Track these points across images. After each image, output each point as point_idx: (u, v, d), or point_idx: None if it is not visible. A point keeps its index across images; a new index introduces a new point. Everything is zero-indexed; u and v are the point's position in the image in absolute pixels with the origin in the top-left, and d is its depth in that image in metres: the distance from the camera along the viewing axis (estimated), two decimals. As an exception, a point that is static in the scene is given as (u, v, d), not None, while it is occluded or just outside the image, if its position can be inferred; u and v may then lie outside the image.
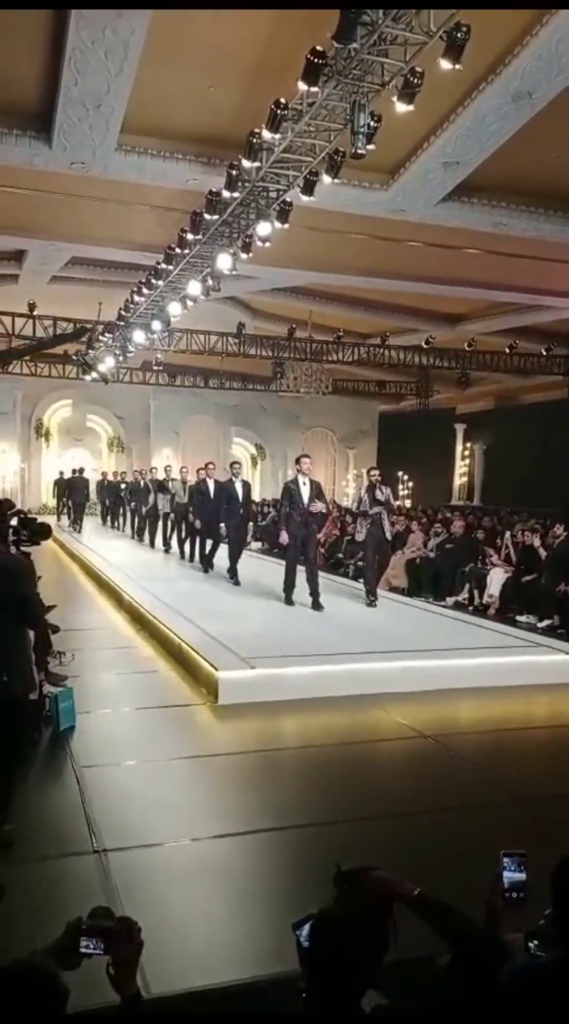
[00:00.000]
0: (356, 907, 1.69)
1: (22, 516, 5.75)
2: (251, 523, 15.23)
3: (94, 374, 21.51)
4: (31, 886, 3.48)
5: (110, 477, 23.15)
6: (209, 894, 3.57)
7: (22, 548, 5.25)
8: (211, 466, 13.10)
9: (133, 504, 18.92)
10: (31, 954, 1.70)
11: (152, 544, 16.96)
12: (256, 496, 18.72)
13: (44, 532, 5.50)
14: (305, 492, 9.41)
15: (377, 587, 10.16)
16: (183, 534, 14.73)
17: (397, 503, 10.62)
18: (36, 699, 5.42)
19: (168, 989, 2.70)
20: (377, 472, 10.40)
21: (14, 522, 5.31)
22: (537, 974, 1.76)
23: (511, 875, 1.94)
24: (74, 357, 13.70)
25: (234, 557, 11.44)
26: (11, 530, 5.06)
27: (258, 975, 2.81)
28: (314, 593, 9.24)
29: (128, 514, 20.07)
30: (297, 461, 9.76)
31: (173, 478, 16.33)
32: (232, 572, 11.34)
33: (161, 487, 16.27)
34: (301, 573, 9.50)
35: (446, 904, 1.81)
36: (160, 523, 16.66)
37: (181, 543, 14.82)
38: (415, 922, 1.80)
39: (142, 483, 17.94)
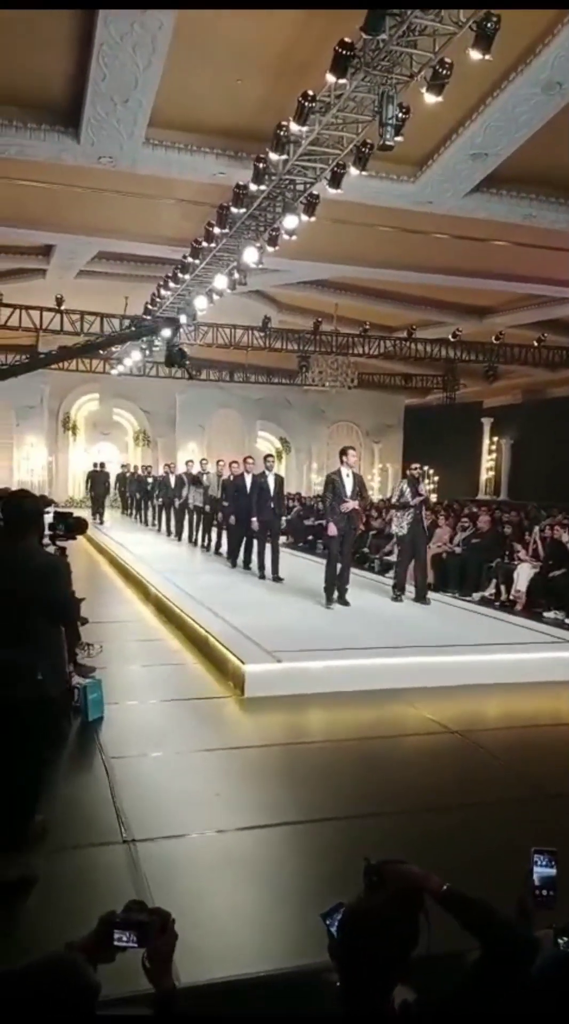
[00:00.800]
0: (385, 900, 1.70)
1: (58, 511, 5.79)
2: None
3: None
4: (62, 875, 3.52)
5: (139, 471, 22.97)
6: (236, 886, 3.60)
7: (58, 543, 5.26)
8: (249, 460, 12.61)
9: (161, 499, 18.63)
10: (65, 947, 1.71)
11: (178, 537, 16.86)
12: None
13: (80, 526, 5.52)
14: (348, 484, 9.16)
15: (417, 582, 9.99)
16: (212, 529, 14.56)
17: (425, 495, 10.51)
18: (65, 690, 5.49)
19: (195, 980, 2.73)
20: (419, 467, 10.40)
21: (50, 517, 5.33)
22: (567, 969, 1.76)
23: (542, 872, 1.93)
24: (171, 349, 12.45)
25: (274, 553, 11.21)
26: (48, 525, 5.10)
27: (284, 967, 2.82)
28: (342, 588, 9.15)
29: (154, 509, 19.93)
30: (343, 452, 9.48)
31: (207, 471, 15.91)
32: (274, 569, 11.14)
33: (195, 480, 15.88)
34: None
35: (475, 898, 1.81)
36: (189, 517, 16.38)
37: (205, 536, 14.83)
38: (444, 917, 1.80)
39: (173, 477, 17.59)
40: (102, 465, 23.12)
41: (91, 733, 5.36)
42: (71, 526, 5.39)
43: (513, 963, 1.61)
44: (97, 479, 22.42)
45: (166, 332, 14.90)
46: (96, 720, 5.54)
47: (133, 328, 17.42)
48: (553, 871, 1.93)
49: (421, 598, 9.67)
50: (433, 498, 25.52)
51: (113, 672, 6.61)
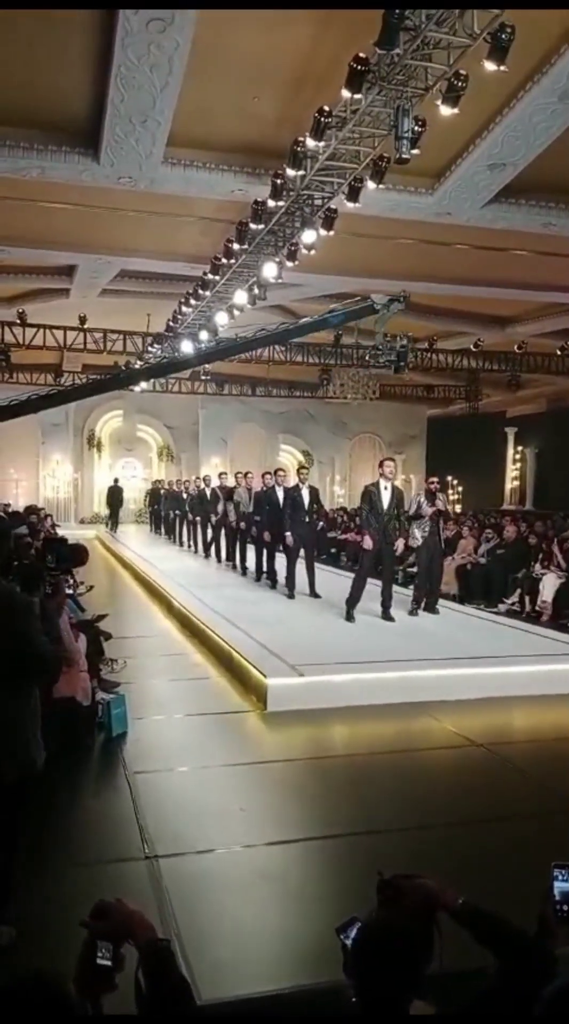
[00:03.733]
0: (399, 915, 1.68)
1: (46, 537, 5.06)
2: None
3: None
4: (84, 892, 3.52)
5: (174, 486, 21.45)
6: (260, 901, 3.58)
7: (50, 579, 4.47)
8: (281, 473, 12.26)
9: (197, 516, 17.16)
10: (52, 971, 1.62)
11: (219, 558, 15.38)
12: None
13: (78, 556, 4.78)
14: (386, 498, 9.04)
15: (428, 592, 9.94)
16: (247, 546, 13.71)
17: (444, 508, 10.35)
18: (90, 705, 5.52)
19: (219, 996, 2.71)
20: (436, 481, 10.32)
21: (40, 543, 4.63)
22: None
23: (563, 886, 1.90)
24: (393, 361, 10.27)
25: (309, 568, 10.79)
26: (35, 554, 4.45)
27: (307, 983, 2.80)
28: (386, 604, 9.05)
29: (189, 527, 18.39)
30: (380, 464, 9.45)
31: (239, 485, 14.53)
32: (311, 585, 10.65)
33: (230, 495, 14.61)
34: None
35: (492, 913, 1.78)
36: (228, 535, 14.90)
37: (230, 554, 14.32)
38: (460, 931, 1.77)
39: (208, 491, 16.25)
40: (116, 481, 25.46)
41: (115, 748, 5.39)
42: (65, 556, 4.53)
43: (529, 978, 1.58)
44: (113, 494, 24.82)
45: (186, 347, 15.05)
46: (120, 735, 5.56)
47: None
48: None
49: (430, 608, 9.70)
50: (457, 508, 25.43)
51: (137, 687, 6.65)
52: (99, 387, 13.72)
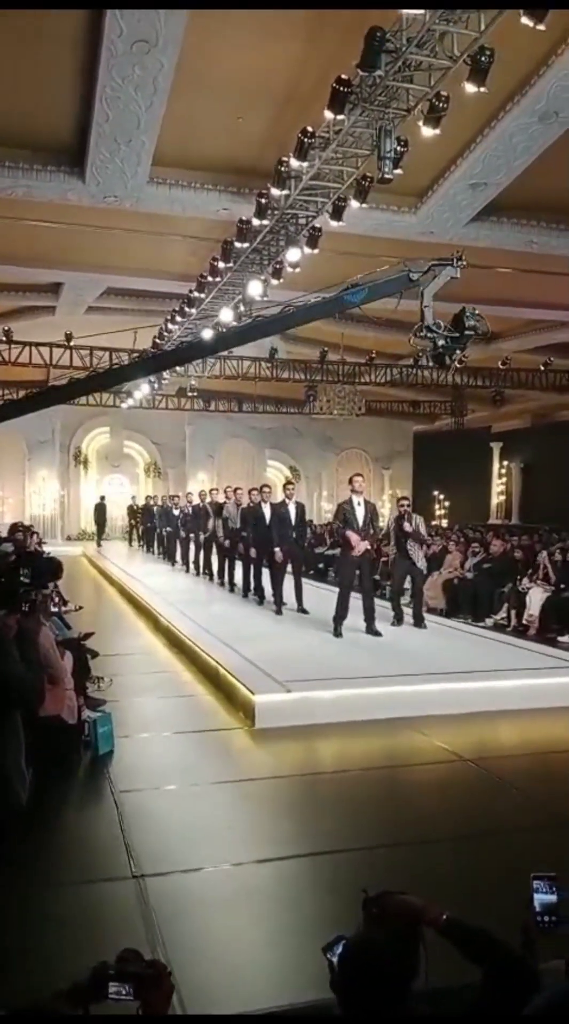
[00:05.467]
0: (384, 932, 1.68)
1: (16, 551, 4.96)
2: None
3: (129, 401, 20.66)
4: (70, 912, 3.50)
5: (166, 502, 20.60)
6: (248, 920, 3.56)
7: (25, 601, 4.40)
8: (267, 489, 12.19)
9: (189, 533, 16.76)
10: (53, 995, 1.65)
11: (210, 575, 15.14)
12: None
13: (53, 571, 4.73)
14: (360, 513, 9.04)
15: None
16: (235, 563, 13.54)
17: (430, 526, 10.33)
18: (75, 724, 5.49)
19: (207, 1014, 2.69)
20: (407, 502, 10.32)
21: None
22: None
23: (542, 898, 1.90)
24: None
25: (297, 584, 10.74)
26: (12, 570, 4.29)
27: (295, 1001, 2.78)
28: (369, 619, 9.04)
29: (180, 544, 17.88)
30: (350, 480, 9.40)
31: (228, 500, 14.22)
32: (298, 601, 10.60)
33: (219, 511, 14.37)
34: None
35: (476, 927, 1.78)
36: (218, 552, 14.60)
37: (221, 571, 14.19)
38: (446, 947, 1.78)
39: (201, 507, 15.92)
40: (102, 498, 25.86)
41: (101, 767, 5.35)
42: (40, 571, 4.47)
43: (513, 992, 1.59)
44: (99, 511, 25.35)
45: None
46: (106, 754, 5.52)
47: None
48: (554, 897, 1.90)
49: (417, 622, 9.85)
50: (443, 523, 25.53)
51: (124, 705, 6.61)
52: (120, 376, 12.68)
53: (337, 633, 8.95)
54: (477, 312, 7.39)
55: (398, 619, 9.85)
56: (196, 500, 16.98)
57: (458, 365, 23.70)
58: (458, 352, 7.46)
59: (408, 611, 10.06)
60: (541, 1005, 1.60)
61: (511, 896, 2.26)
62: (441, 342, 7.34)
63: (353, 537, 8.98)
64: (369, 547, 9.42)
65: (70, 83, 9.25)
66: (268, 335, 12.88)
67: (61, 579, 7.01)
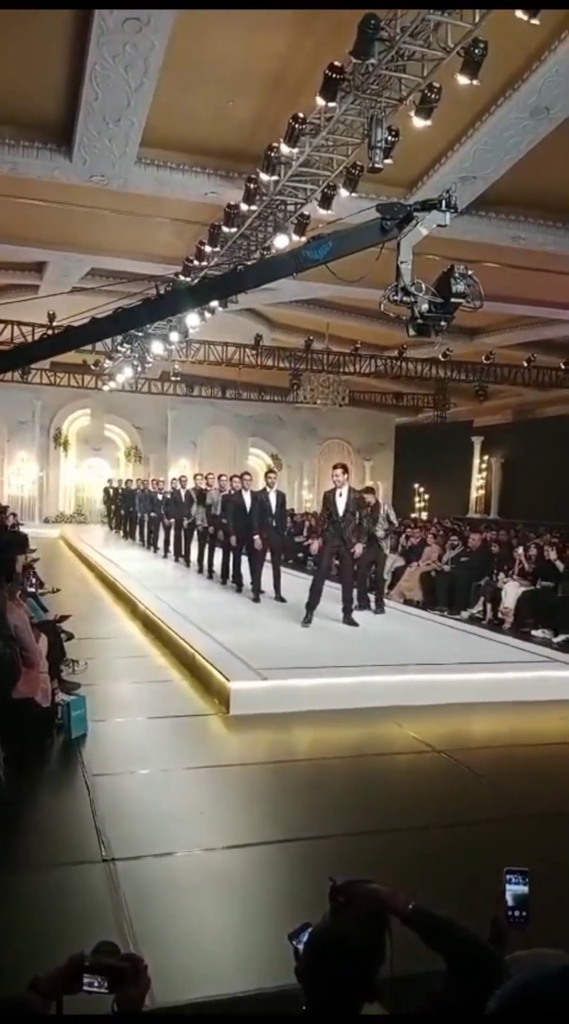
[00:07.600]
0: (350, 921, 1.69)
1: None
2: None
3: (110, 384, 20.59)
4: (38, 895, 3.49)
5: (150, 486, 20.09)
6: (218, 905, 3.57)
7: None
8: (247, 477, 12.16)
9: (171, 519, 16.50)
10: (29, 985, 1.63)
11: (187, 562, 15.09)
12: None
13: (19, 544, 4.70)
14: (341, 503, 9.05)
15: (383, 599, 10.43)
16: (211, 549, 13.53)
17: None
18: (49, 707, 5.46)
19: (174, 999, 2.70)
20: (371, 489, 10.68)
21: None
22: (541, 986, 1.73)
23: (514, 891, 1.92)
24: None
25: (275, 572, 10.81)
26: None
27: (263, 986, 2.80)
28: (347, 609, 9.07)
29: (163, 530, 17.50)
30: (333, 470, 9.45)
31: (209, 487, 14.12)
32: (276, 589, 10.67)
33: (201, 497, 14.28)
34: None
35: (442, 918, 1.80)
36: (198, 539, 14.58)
37: (200, 558, 14.09)
38: (412, 936, 1.79)
39: (182, 493, 15.65)
40: (110, 482, 25.16)
41: (74, 750, 5.33)
42: (4, 543, 4.35)
43: (477, 980, 1.60)
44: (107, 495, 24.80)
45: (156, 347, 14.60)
46: (79, 737, 5.50)
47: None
48: (525, 890, 1.92)
49: (377, 607, 10.22)
50: (423, 515, 25.66)
51: (99, 689, 6.59)
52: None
53: (307, 620, 8.89)
54: (470, 272, 5.97)
55: (362, 603, 9.96)
56: (178, 485, 16.60)
57: (442, 358, 23.17)
58: (442, 323, 6.22)
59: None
60: (503, 994, 1.61)
61: (478, 886, 2.29)
62: (423, 306, 6.04)
63: (313, 545, 9.12)
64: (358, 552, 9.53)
65: (59, 59, 9.11)
66: (217, 298, 11.52)
67: (25, 553, 6.94)
